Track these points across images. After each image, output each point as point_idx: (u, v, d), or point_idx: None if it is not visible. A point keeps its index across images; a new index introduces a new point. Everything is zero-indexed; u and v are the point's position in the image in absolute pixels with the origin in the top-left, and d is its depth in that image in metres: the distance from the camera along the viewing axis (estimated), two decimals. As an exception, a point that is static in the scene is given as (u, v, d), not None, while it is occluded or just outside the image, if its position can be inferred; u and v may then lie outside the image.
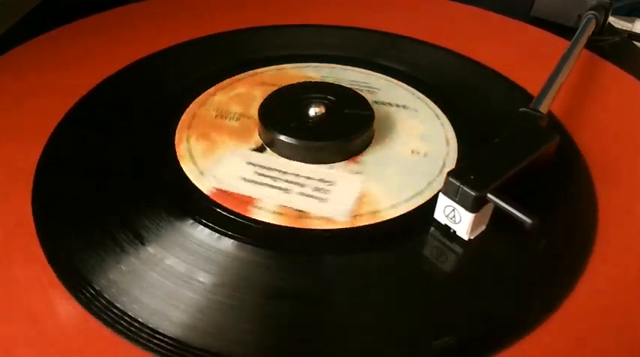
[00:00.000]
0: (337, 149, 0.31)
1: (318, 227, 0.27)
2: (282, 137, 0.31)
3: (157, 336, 0.22)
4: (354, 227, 0.27)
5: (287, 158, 0.31)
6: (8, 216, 0.27)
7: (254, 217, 0.28)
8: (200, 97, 0.36)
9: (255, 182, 0.30)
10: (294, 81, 0.35)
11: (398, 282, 0.25)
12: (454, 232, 0.27)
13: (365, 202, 0.28)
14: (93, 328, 0.23)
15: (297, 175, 0.30)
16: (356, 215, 0.28)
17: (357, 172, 0.30)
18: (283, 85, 0.35)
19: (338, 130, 0.31)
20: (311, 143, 0.30)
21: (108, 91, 0.37)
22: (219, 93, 0.37)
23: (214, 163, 0.31)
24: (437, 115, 0.35)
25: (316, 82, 0.36)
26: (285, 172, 0.30)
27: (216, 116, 0.34)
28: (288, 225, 0.27)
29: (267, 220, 0.27)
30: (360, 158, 0.31)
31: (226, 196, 0.29)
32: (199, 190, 0.29)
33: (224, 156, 0.31)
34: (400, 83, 0.38)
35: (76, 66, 0.39)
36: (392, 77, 0.39)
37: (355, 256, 0.26)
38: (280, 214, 0.28)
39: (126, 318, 0.23)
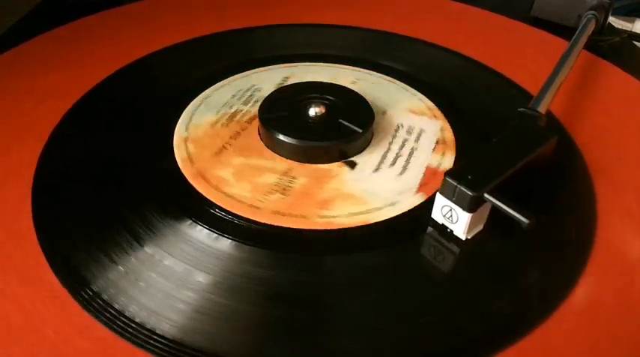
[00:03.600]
0: (322, 152, 0.31)
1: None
2: (273, 133, 0.31)
3: (155, 336, 0.22)
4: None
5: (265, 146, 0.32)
6: (8, 216, 0.27)
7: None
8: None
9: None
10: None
11: (396, 282, 0.25)
12: (451, 231, 0.27)
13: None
14: (91, 328, 0.23)
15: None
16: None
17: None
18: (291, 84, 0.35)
19: (329, 134, 0.31)
20: (298, 142, 0.31)
21: (108, 91, 0.37)
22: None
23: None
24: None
25: (317, 82, 0.36)
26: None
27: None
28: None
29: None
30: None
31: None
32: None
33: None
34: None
35: (76, 66, 0.39)
36: (392, 77, 0.39)
37: (355, 257, 0.26)
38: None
39: (123, 318, 0.23)
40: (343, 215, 0.28)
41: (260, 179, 0.30)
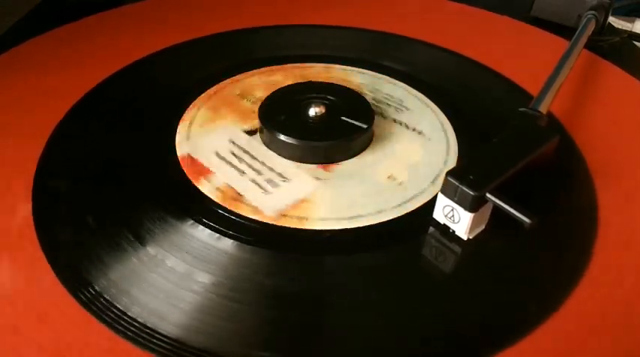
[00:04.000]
0: (309, 152, 0.31)
1: (244, 214, 0.28)
2: (268, 127, 0.31)
3: (157, 336, 0.22)
4: (277, 225, 0.27)
5: (267, 147, 0.32)
6: (8, 216, 0.27)
7: (199, 187, 0.29)
8: (238, 76, 0.38)
9: (224, 159, 0.31)
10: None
11: (397, 282, 0.25)
12: (453, 231, 0.27)
13: (301, 207, 0.28)
14: (93, 328, 0.23)
15: (264, 163, 0.31)
16: (283, 215, 0.28)
17: (318, 178, 0.30)
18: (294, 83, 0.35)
19: (325, 134, 0.31)
20: (287, 139, 0.30)
21: (108, 91, 0.37)
22: (257, 76, 0.38)
23: (205, 133, 0.33)
24: (448, 148, 0.33)
25: (319, 83, 0.36)
26: (254, 158, 0.31)
27: (238, 95, 0.36)
28: (221, 203, 0.28)
29: (207, 194, 0.28)
30: (332, 167, 0.31)
31: (191, 162, 0.30)
32: (188, 179, 0.30)
33: (217, 129, 0.33)
34: (408, 88, 0.38)
35: (76, 66, 0.39)
36: (392, 77, 0.39)
37: (356, 257, 0.26)
38: (221, 191, 0.29)
39: (126, 318, 0.23)
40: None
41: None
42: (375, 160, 0.31)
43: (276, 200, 0.28)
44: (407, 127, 0.34)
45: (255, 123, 0.33)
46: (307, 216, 0.28)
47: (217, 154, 0.31)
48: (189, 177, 0.29)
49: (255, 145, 0.32)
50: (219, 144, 0.32)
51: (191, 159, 0.30)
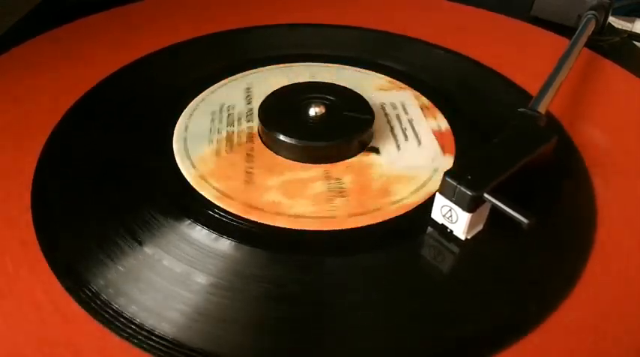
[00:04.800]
0: (348, 147, 0.31)
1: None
2: (269, 131, 0.31)
3: (155, 336, 0.22)
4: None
5: (273, 152, 0.31)
6: (7, 216, 0.27)
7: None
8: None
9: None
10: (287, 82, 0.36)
11: (395, 282, 0.25)
12: (451, 231, 0.27)
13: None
14: (90, 328, 0.23)
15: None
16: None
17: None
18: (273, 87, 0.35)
19: (343, 129, 0.31)
20: (313, 143, 0.31)
21: (107, 91, 0.37)
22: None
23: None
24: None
25: (316, 82, 0.36)
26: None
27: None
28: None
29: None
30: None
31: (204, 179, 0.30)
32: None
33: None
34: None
35: (76, 66, 0.39)
36: (392, 77, 0.39)
37: (354, 257, 0.26)
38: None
39: (123, 319, 0.23)
40: (407, 195, 0.29)
41: (310, 191, 0.29)
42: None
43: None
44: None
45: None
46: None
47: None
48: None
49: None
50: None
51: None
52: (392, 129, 0.33)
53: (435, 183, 0.29)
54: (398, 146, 0.32)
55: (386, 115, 0.35)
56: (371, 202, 0.28)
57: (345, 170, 0.30)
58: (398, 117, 0.34)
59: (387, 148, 0.32)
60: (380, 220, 0.28)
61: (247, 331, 0.23)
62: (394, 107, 0.35)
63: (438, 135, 0.33)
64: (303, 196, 0.29)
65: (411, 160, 0.31)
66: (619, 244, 0.27)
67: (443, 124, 0.34)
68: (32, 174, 0.30)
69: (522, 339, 0.23)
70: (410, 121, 0.34)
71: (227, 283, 0.24)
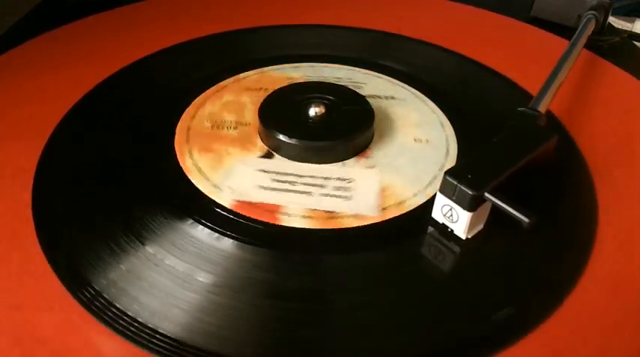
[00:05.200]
0: (347, 146, 0.31)
1: (347, 225, 0.27)
2: (289, 140, 0.30)
3: (157, 336, 0.22)
4: (385, 221, 0.28)
5: (296, 161, 0.31)
6: (8, 216, 0.27)
7: (284, 224, 0.27)
8: (188, 109, 0.35)
9: (275, 189, 0.29)
10: (279, 84, 0.35)
11: (396, 282, 0.25)
12: (452, 231, 0.27)
13: (388, 194, 0.29)
14: (92, 327, 0.23)
15: (313, 176, 0.30)
16: (385, 208, 0.28)
17: (372, 166, 0.31)
18: (269, 88, 0.35)
19: (343, 128, 0.31)
20: (320, 143, 0.31)
21: (107, 91, 0.37)
22: (208, 103, 0.36)
23: (225, 174, 0.30)
24: (426, 105, 0.36)
25: (311, 82, 0.36)
26: (300, 176, 0.30)
27: (212, 127, 0.34)
28: (320, 227, 0.27)
29: (298, 226, 0.27)
30: (368, 153, 0.32)
31: (251, 206, 0.28)
32: (220, 204, 0.28)
33: (234, 166, 0.31)
34: (385, 76, 0.39)
35: (76, 66, 0.39)
36: (391, 77, 0.39)
37: (354, 257, 0.26)
38: (310, 217, 0.28)
39: (126, 318, 0.23)
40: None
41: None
42: (391, 136, 0.33)
43: (366, 200, 0.29)
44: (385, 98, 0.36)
45: (260, 146, 0.32)
46: (402, 200, 0.29)
47: (265, 188, 0.29)
48: (266, 220, 0.27)
49: (285, 163, 0.31)
50: (253, 178, 0.30)
51: (247, 204, 0.28)
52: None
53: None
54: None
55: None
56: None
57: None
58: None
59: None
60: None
61: (250, 331, 0.23)
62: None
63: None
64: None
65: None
66: (620, 244, 0.27)
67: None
68: (32, 174, 0.30)
69: (522, 339, 0.23)
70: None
71: (229, 282, 0.24)
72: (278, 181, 0.30)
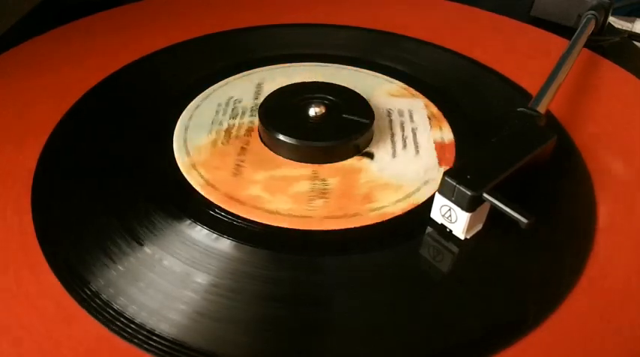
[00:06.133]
0: (340, 149, 0.31)
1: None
2: (271, 132, 0.31)
3: (155, 336, 0.22)
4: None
5: (271, 151, 0.31)
6: (8, 216, 0.27)
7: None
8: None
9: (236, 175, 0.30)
10: (291, 81, 0.35)
11: (394, 282, 0.25)
12: (450, 231, 0.27)
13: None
14: (90, 328, 0.23)
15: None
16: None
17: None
18: (282, 85, 0.35)
19: (339, 131, 0.31)
20: (317, 144, 0.31)
21: (107, 91, 0.37)
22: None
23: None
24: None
25: (316, 82, 0.36)
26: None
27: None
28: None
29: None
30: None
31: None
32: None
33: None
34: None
35: (76, 66, 0.39)
36: (391, 77, 0.39)
37: (353, 257, 0.26)
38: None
39: (123, 319, 0.23)
40: (390, 204, 0.28)
41: (293, 189, 0.29)
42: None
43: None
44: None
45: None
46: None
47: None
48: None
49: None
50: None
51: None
52: (392, 136, 0.33)
53: (422, 195, 0.29)
54: (394, 154, 0.32)
55: (390, 121, 0.34)
56: (350, 207, 0.28)
57: (333, 172, 0.30)
58: (402, 124, 0.34)
59: (382, 154, 0.32)
60: (355, 225, 0.27)
61: (248, 331, 0.23)
62: (401, 114, 0.35)
63: (439, 147, 0.32)
64: (284, 193, 0.29)
65: (403, 169, 0.31)
66: (618, 244, 0.27)
67: (447, 135, 0.33)
68: (32, 174, 0.30)
69: (522, 339, 0.23)
70: (413, 130, 0.34)
71: (227, 282, 0.25)
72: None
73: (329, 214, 0.28)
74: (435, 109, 0.35)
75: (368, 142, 0.32)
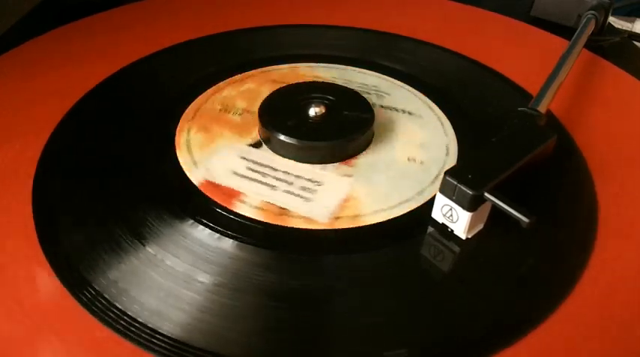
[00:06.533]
0: (330, 150, 0.31)
1: (297, 226, 0.27)
2: (278, 135, 0.31)
3: (157, 336, 0.22)
4: (332, 229, 0.27)
5: (281, 156, 0.31)
6: (8, 216, 0.27)
7: (236, 210, 0.28)
8: (209, 90, 0.37)
9: (245, 177, 0.30)
10: (304, 80, 0.36)
11: (395, 282, 0.25)
12: (452, 231, 0.27)
13: (348, 205, 0.28)
14: (92, 328, 0.23)
15: (287, 173, 0.30)
16: (337, 217, 0.28)
17: (348, 175, 0.30)
18: (293, 83, 0.35)
19: (335, 132, 0.31)
20: (304, 143, 0.30)
21: (107, 91, 0.37)
22: (229, 87, 0.37)
23: (209, 154, 0.31)
24: (442, 124, 0.35)
25: (317, 82, 0.36)
26: (275, 169, 0.30)
27: (220, 110, 0.35)
28: (269, 221, 0.27)
29: (248, 215, 0.28)
30: (354, 161, 0.31)
31: (214, 188, 0.29)
32: (189, 179, 0.29)
33: (220, 149, 0.32)
34: (407, 86, 0.38)
35: (76, 66, 0.39)
36: (391, 77, 0.39)
37: (354, 256, 0.26)
38: (262, 209, 0.28)
39: (126, 318, 0.23)
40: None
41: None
42: (387, 147, 0.32)
43: (322, 205, 0.28)
44: (402, 112, 0.35)
45: (255, 135, 0.33)
46: (359, 213, 0.28)
47: (236, 174, 0.30)
48: (221, 203, 0.28)
49: (268, 156, 0.31)
50: (231, 163, 0.31)
51: (212, 185, 0.29)
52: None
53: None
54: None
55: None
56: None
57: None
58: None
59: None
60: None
61: (250, 331, 0.23)
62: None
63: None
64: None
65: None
66: (620, 244, 0.27)
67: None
68: (33, 174, 0.30)
69: (522, 339, 0.23)
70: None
71: (229, 281, 0.25)
72: (252, 170, 0.30)
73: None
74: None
75: (369, 143, 0.32)
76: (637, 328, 0.24)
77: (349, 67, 0.40)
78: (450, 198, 0.26)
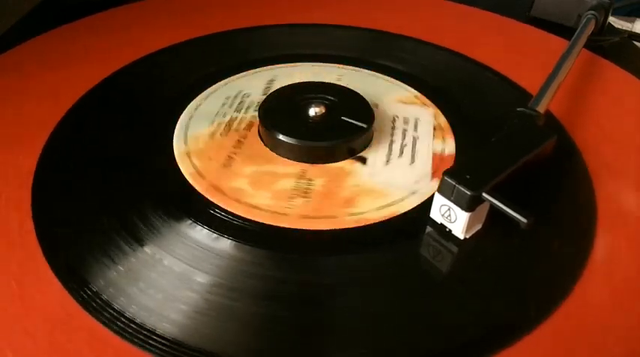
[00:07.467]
0: (331, 150, 0.31)
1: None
2: (277, 135, 0.31)
3: (155, 336, 0.22)
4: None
5: (281, 156, 0.31)
6: (8, 216, 0.27)
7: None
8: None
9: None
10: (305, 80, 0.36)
11: (394, 282, 0.25)
12: (450, 231, 0.27)
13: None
14: (91, 328, 0.23)
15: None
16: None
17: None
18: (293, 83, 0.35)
19: (334, 132, 0.31)
20: (305, 143, 0.30)
21: (107, 91, 0.37)
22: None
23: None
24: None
25: (317, 82, 0.36)
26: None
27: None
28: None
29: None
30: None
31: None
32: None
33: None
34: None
35: (76, 66, 0.39)
36: (392, 77, 0.39)
37: (352, 257, 0.26)
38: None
39: (123, 319, 0.23)
40: (371, 210, 0.28)
41: (278, 185, 0.29)
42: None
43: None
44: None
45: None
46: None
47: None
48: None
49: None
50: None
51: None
52: (391, 143, 0.33)
53: (406, 205, 0.28)
54: (388, 161, 0.31)
55: (393, 128, 0.34)
56: (329, 209, 0.28)
57: (321, 173, 0.30)
58: (404, 132, 0.33)
59: (376, 160, 0.31)
60: (331, 227, 0.27)
61: (248, 331, 0.23)
62: (405, 122, 0.34)
63: (437, 158, 0.32)
64: (266, 189, 0.29)
65: (392, 177, 0.30)
66: (619, 244, 0.27)
67: (448, 148, 0.33)
68: (32, 174, 0.30)
69: (522, 339, 0.23)
70: (414, 139, 0.33)
71: (227, 282, 0.25)
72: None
73: (305, 214, 0.28)
74: (443, 120, 0.35)
75: (364, 146, 0.32)
76: (637, 328, 0.24)
77: (349, 67, 0.40)
78: (449, 198, 0.26)
